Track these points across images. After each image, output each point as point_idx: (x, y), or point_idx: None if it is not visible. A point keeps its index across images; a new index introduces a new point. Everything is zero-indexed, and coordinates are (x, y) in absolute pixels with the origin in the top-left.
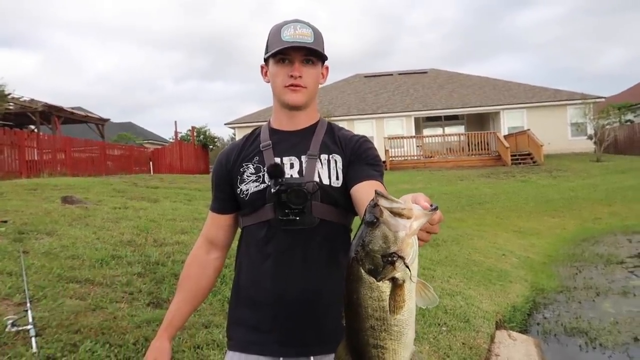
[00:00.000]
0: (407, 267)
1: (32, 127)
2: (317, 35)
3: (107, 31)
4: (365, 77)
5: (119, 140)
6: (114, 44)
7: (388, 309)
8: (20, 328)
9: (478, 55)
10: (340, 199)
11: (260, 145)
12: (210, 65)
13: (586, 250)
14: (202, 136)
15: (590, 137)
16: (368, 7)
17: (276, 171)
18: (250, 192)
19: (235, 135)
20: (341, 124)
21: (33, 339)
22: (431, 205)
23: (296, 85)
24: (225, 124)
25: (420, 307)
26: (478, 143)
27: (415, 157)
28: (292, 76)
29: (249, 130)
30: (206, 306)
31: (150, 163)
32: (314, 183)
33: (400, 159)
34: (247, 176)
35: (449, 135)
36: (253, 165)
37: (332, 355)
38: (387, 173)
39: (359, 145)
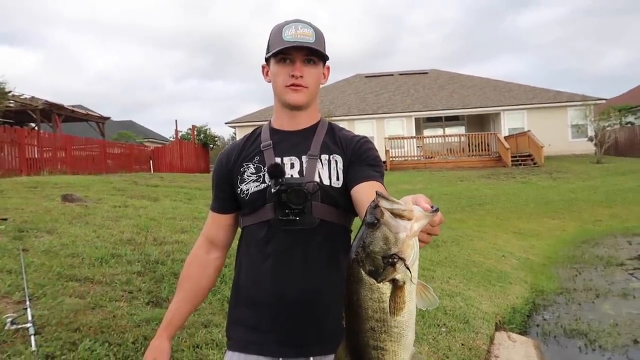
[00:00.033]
0: (408, 268)
1: (33, 125)
2: (319, 35)
3: (107, 29)
4: (366, 77)
5: (120, 138)
6: (114, 42)
7: (388, 310)
8: (20, 326)
9: (479, 56)
10: (340, 200)
11: (261, 145)
12: (211, 64)
13: (586, 252)
14: (202, 135)
15: (590, 139)
16: (368, 7)
17: (276, 171)
18: (250, 192)
19: (235, 135)
20: (342, 124)
21: (32, 337)
22: (432, 207)
23: (297, 85)
24: (225, 123)
25: (420, 308)
26: (478, 144)
27: (416, 158)
28: (293, 76)
29: (249, 130)
30: (206, 305)
31: (151, 162)
32: (314, 183)
33: (400, 159)
34: (248, 176)
35: (450, 135)
36: (253, 165)
37: (332, 356)
38: (387, 173)
39: (360, 146)
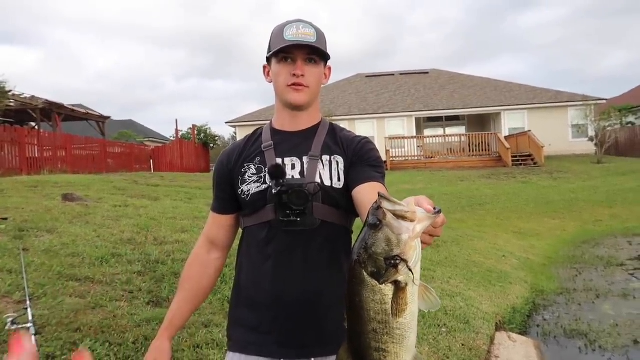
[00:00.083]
0: (410, 270)
1: (33, 124)
2: (320, 35)
3: (107, 28)
4: (367, 77)
5: (120, 138)
6: (114, 41)
7: (390, 312)
8: (20, 326)
9: (480, 56)
10: (341, 201)
11: (262, 145)
12: (211, 63)
13: (586, 253)
14: (202, 134)
15: (591, 139)
16: (369, 7)
17: (277, 172)
18: (251, 192)
19: (236, 134)
20: (342, 124)
21: (33, 337)
22: (434, 208)
23: (299, 85)
24: (226, 123)
25: (421, 310)
26: (479, 144)
27: (416, 158)
28: (294, 75)
29: (249, 129)
30: (206, 305)
31: (151, 161)
32: (315, 184)
33: (401, 159)
34: (249, 177)
35: (450, 135)
36: (254, 166)
37: (333, 357)
38: (387, 173)
39: (361, 147)
